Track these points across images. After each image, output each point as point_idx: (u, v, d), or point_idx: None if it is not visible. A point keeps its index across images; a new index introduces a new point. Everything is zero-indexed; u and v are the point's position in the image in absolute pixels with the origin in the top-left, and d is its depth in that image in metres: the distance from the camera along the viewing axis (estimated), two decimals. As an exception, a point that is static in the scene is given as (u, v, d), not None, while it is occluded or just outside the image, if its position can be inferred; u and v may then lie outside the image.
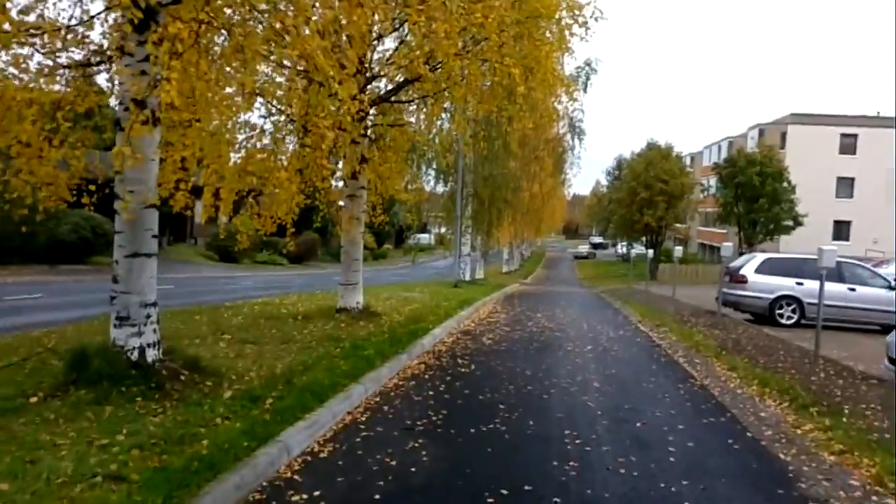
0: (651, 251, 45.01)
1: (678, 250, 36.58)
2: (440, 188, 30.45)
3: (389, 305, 15.15)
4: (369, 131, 12.00)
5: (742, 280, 16.47)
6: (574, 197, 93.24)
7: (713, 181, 54.92)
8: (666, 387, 8.57)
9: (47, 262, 25.13)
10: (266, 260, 43.72)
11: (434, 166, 27.49)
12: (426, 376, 8.56)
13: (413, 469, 5.05)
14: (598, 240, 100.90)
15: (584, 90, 29.99)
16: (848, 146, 54.10)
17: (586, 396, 7.76)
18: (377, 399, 7.16)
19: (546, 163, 32.93)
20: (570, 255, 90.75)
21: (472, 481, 4.86)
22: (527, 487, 4.72)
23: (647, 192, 47.79)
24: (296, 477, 4.77)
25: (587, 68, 32.59)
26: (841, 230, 52.95)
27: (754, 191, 46.16)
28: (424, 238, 71.43)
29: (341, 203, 12.72)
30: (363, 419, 6.37)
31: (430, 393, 7.63)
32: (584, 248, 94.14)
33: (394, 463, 5.15)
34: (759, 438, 6.32)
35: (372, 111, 11.98)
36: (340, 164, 12.45)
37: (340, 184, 12.89)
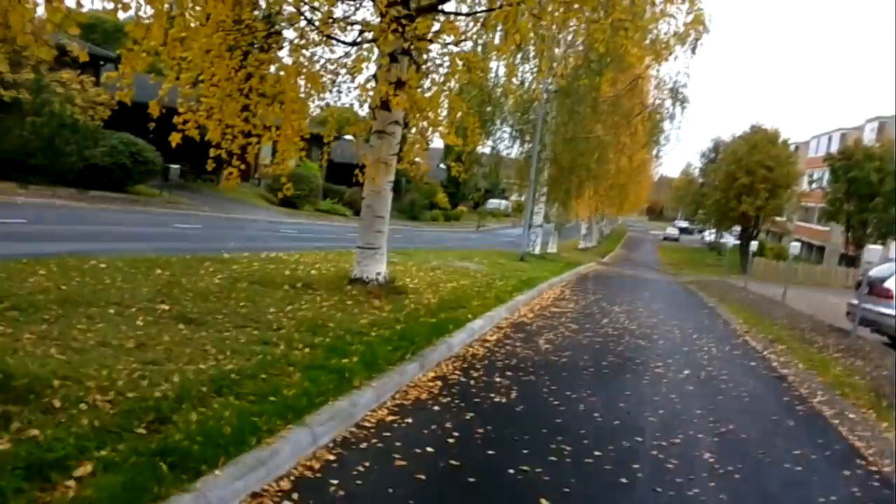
0: (741, 242, 40.82)
1: (794, 246, 32.56)
2: (516, 149, 26.99)
3: (427, 279, 12.05)
4: (411, 47, 8.77)
5: (889, 296, 12.62)
6: (661, 178, 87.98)
7: (818, 174, 49.80)
8: (827, 478, 5.18)
9: (79, 186, 23.04)
10: (328, 209, 41.32)
11: (510, 122, 24.10)
12: (434, 408, 5.44)
13: None
14: (683, 224, 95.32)
15: (693, 51, 25.58)
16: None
17: (697, 489, 4.48)
18: (315, 470, 4.03)
19: (639, 132, 28.87)
20: (653, 236, 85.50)
21: None
22: None
23: (748, 178, 43.26)
24: None
25: (698, 26, 28.13)
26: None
27: (870, 188, 41.32)
28: (501, 204, 68.03)
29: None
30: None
31: (427, 451, 4.50)
32: (673, 231, 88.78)
33: None
34: None
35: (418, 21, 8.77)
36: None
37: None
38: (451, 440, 4.75)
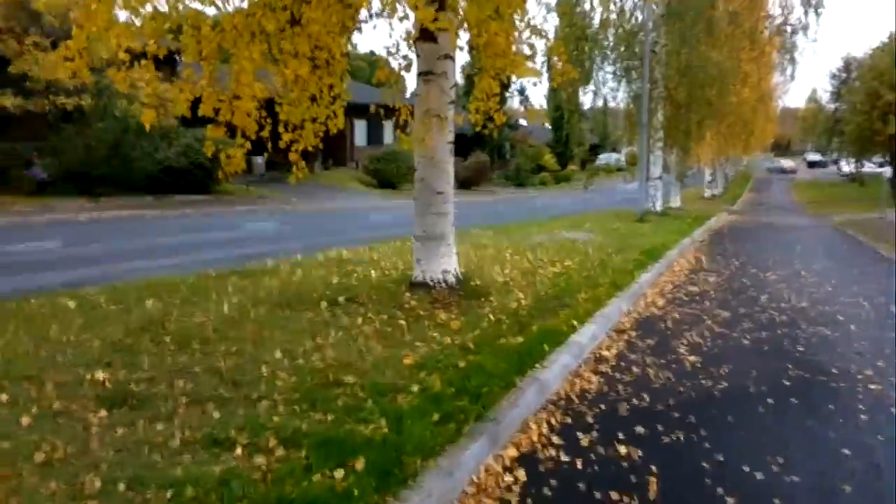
0: (889, 169, 35.54)
1: None
2: (622, 92, 23.65)
3: (523, 266, 9.44)
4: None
5: None
6: (783, 110, 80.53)
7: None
8: None
9: (157, 192, 21.84)
10: (431, 186, 38.87)
11: (612, 59, 20.88)
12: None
13: None
14: (815, 157, 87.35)
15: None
16: None
17: None
18: None
19: (765, 51, 24.66)
20: (769, 171, 78.24)
21: None
22: None
23: (894, 94, 37.53)
24: None
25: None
26: None
27: None
28: (612, 158, 63.83)
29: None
30: None
31: None
32: (787, 163, 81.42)
33: None
34: None
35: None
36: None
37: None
38: None
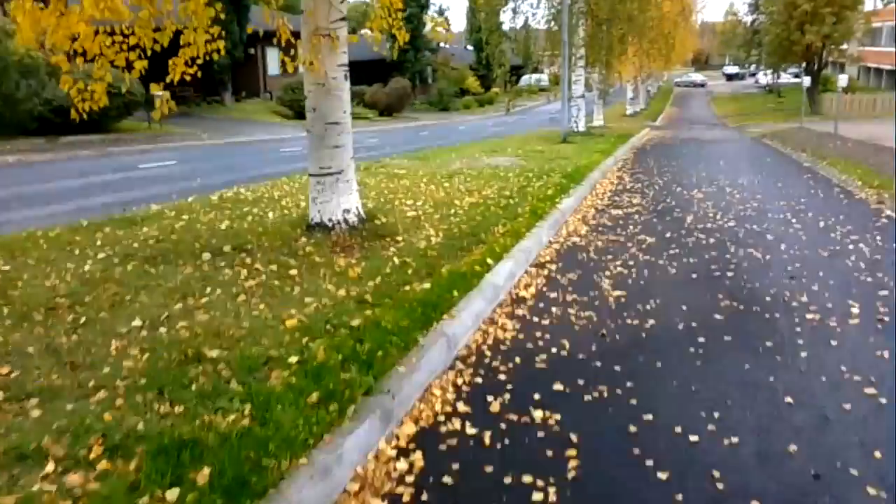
0: (812, 79, 35.94)
1: (843, 78, 27.49)
2: (543, 8, 22.72)
3: (438, 197, 8.75)
4: None
5: None
6: (702, 24, 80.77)
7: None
8: None
9: (49, 134, 20.06)
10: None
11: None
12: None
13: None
14: (733, 69, 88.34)
15: None
16: None
17: None
18: None
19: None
20: (678, 86, 78.62)
21: None
22: None
23: (811, 4, 37.63)
24: None
25: None
26: None
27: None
28: (532, 78, 62.86)
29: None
30: None
31: None
32: (697, 76, 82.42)
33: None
34: None
35: None
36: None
37: None
38: None
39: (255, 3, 29.92)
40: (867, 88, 47.60)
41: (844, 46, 41.86)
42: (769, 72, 58.49)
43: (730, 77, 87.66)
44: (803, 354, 4.16)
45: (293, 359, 3.54)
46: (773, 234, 7.47)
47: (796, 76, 56.04)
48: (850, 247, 6.81)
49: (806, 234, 7.45)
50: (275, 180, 10.66)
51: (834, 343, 4.33)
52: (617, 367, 3.99)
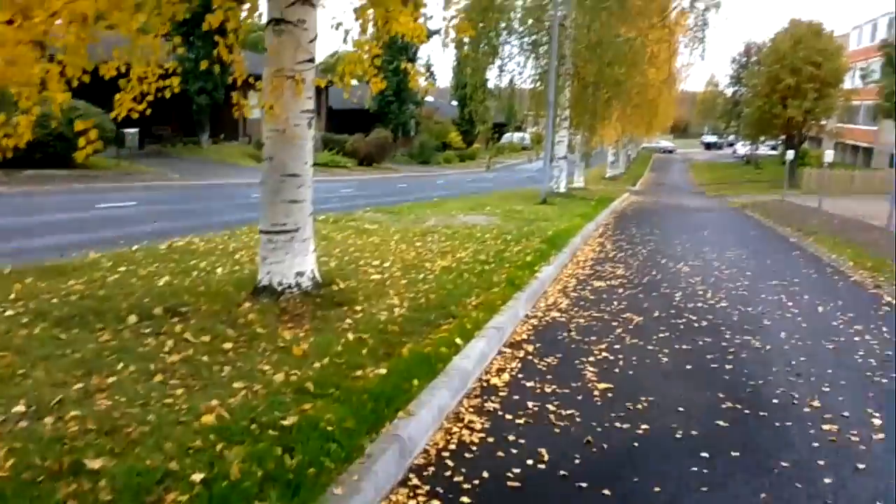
0: (794, 152, 36.08)
1: (829, 154, 27.81)
2: (530, 68, 22.54)
3: (408, 258, 8.05)
4: None
5: None
6: (682, 93, 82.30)
7: (868, 64, 44.41)
8: None
9: (11, 167, 19.15)
10: (327, 161, 36.70)
11: (519, 32, 19.66)
12: None
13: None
14: (711, 139, 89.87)
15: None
16: None
17: None
18: None
19: (674, 30, 23.94)
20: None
21: None
22: None
23: (794, 79, 38.27)
24: None
25: None
26: None
27: (937, 75, 36.04)
28: (514, 137, 63.17)
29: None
30: None
31: None
32: (666, 143, 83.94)
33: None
34: None
35: None
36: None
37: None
38: None
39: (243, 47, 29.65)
40: (843, 164, 48.19)
41: (824, 122, 42.50)
42: (747, 143, 59.23)
43: (708, 146, 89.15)
44: (827, 481, 3.45)
45: (197, 476, 2.76)
46: (769, 319, 6.84)
47: (773, 148, 56.83)
48: (856, 339, 6.19)
49: (805, 322, 6.82)
50: (234, 230, 9.91)
51: (861, 466, 3.63)
52: (606, 492, 3.25)
